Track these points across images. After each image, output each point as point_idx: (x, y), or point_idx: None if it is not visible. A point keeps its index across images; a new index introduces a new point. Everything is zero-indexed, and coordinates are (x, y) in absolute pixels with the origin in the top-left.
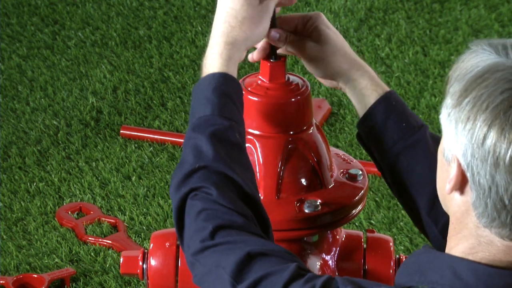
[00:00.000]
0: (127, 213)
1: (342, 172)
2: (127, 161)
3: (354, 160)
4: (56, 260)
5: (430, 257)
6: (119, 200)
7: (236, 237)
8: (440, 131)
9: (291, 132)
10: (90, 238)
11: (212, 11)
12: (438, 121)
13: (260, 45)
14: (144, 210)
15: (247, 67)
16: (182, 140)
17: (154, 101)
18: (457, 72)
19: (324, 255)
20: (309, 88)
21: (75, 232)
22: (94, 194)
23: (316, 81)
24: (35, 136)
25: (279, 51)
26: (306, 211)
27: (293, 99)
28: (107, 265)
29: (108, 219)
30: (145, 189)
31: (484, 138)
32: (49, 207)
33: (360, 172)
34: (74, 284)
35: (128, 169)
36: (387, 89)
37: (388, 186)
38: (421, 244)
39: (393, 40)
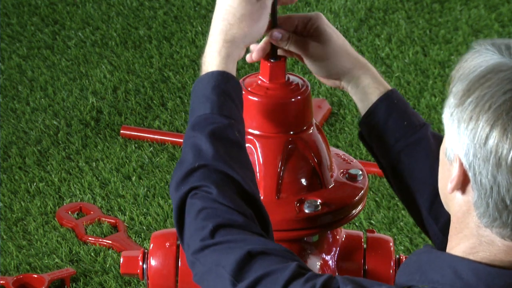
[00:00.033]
0: (127, 213)
1: (342, 172)
2: (127, 161)
3: (354, 160)
4: (56, 260)
5: (430, 257)
6: (119, 200)
7: (236, 236)
8: (440, 131)
9: (291, 132)
10: (90, 238)
11: (212, 11)
12: (438, 121)
13: (259, 45)
14: (144, 210)
15: (247, 67)
16: (182, 140)
17: (154, 101)
18: (460, 71)
19: (324, 255)
20: (309, 88)
21: (75, 232)
22: (94, 194)
23: (316, 81)
24: (35, 136)
25: (280, 52)
26: (306, 211)
27: (293, 99)
28: (107, 265)
29: (108, 219)
30: (145, 189)
31: (487, 138)
32: (49, 207)
33: (360, 172)
34: (74, 284)
35: (128, 169)
36: (389, 87)
37: (389, 184)
38: (421, 244)
39: (393, 40)
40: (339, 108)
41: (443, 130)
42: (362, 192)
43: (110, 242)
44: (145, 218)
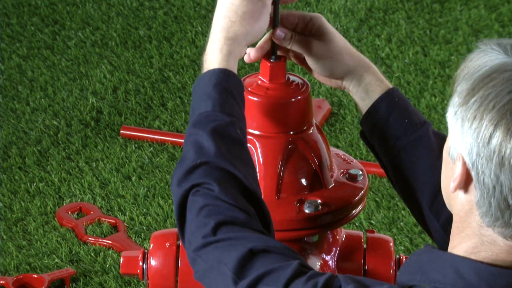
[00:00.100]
0: (127, 213)
1: (342, 172)
2: (127, 161)
3: (354, 160)
4: (56, 260)
5: (432, 256)
6: (119, 200)
7: (238, 233)
8: (440, 130)
9: (291, 132)
10: (90, 238)
11: (212, 11)
12: (438, 121)
13: (257, 44)
14: (144, 210)
15: (247, 67)
16: (182, 140)
17: (154, 101)
18: (465, 71)
19: (324, 255)
20: (309, 88)
21: (75, 232)
22: (94, 194)
23: (316, 81)
24: (35, 136)
25: (281, 52)
26: (306, 211)
27: (293, 99)
28: (107, 265)
29: (108, 219)
30: (145, 189)
31: (490, 137)
32: (49, 207)
33: (360, 172)
34: (74, 284)
35: (128, 169)
36: (390, 86)
37: (390, 182)
38: (421, 244)
39: (393, 40)
40: (339, 108)
41: (443, 130)
42: (362, 192)
43: (110, 242)
44: (145, 218)
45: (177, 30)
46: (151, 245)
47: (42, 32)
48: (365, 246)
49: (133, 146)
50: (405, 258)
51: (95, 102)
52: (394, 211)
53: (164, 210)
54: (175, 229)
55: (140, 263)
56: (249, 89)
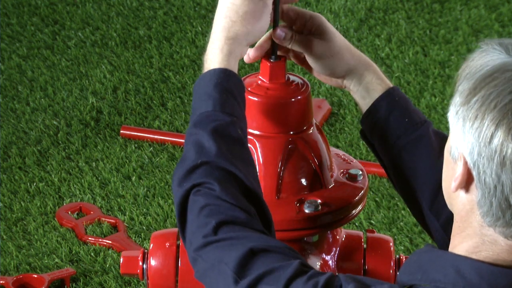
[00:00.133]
0: (127, 213)
1: (342, 172)
2: (127, 161)
3: (354, 160)
4: (56, 260)
5: (432, 256)
6: (119, 200)
7: (239, 233)
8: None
9: (291, 132)
10: (90, 238)
11: (212, 11)
12: (438, 121)
13: (256, 43)
14: (144, 210)
15: (247, 67)
16: (182, 140)
17: (154, 101)
18: (466, 70)
19: (324, 255)
20: (309, 88)
21: (75, 232)
22: (94, 194)
23: (316, 81)
24: (35, 136)
25: (281, 51)
26: (306, 211)
27: (293, 99)
28: (107, 265)
29: (108, 219)
30: (145, 189)
31: (492, 137)
32: (49, 207)
33: (360, 172)
34: (74, 284)
35: (128, 169)
36: (391, 85)
37: (391, 181)
38: (421, 244)
39: (393, 40)
40: (339, 108)
41: (442, 130)
42: (362, 192)
43: (110, 242)
44: (145, 218)
45: (177, 30)
46: (151, 245)
47: (42, 32)
48: (365, 246)
49: (133, 146)
50: (405, 258)
51: (95, 102)
52: (394, 211)
53: (164, 210)
54: (175, 229)
55: (140, 263)
56: (249, 89)
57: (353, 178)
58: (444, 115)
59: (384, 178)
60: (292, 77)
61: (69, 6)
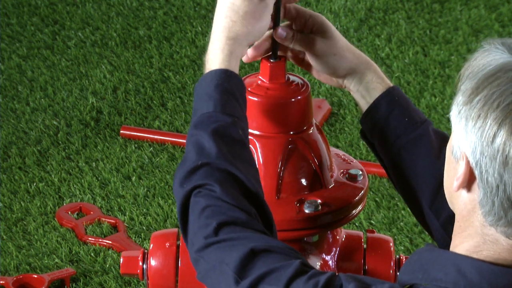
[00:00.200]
0: (127, 213)
1: (342, 172)
2: (127, 161)
3: (354, 160)
4: (56, 260)
5: (433, 255)
6: (119, 200)
7: (239, 234)
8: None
9: (291, 132)
10: (90, 238)
11: (212, 11)
12: (438, 121)
13: (255, 43)
14: (144, 210)
15: (247, 67)
16: (182, 141)
17: (154, 101)
18: (469, 69)
19: (324, 255)
20: (309, 88)
21: (75, 232)
22: (94, 194)
23: (316, 81)
24: (35, 136)
25: (280, 51)
26: (306, 211)
27: (293, 99)
28: (107, 265)
29: (108, 219)
30: (145, 189)
31: (494, 136)
32: (49, 207)
33: (360, 172)
34: (74, 284)
35: (128, 169)
36: (391, 84)
37: (391, 181)
38: (421, 245)
39: (393, 40)
40: (339, 108)
41: (442, 130)
42: (362, 192)
43: (110, 242)
44: (145, 218)
45: (177, 30)
46: (151, 245)
47: (42, 32)
48: (365, 246)
49: (133, 146)
50: (405, 258)
51: (95, 102)
52: (394, 211)
53: (164, 210)
54: (175, 229)
55: (140, 263)
56: (249, 89)
57: (353, 178)
58: (444, 115)
59: (384, 178)
60: (292, 77)
61: (69, 6)
